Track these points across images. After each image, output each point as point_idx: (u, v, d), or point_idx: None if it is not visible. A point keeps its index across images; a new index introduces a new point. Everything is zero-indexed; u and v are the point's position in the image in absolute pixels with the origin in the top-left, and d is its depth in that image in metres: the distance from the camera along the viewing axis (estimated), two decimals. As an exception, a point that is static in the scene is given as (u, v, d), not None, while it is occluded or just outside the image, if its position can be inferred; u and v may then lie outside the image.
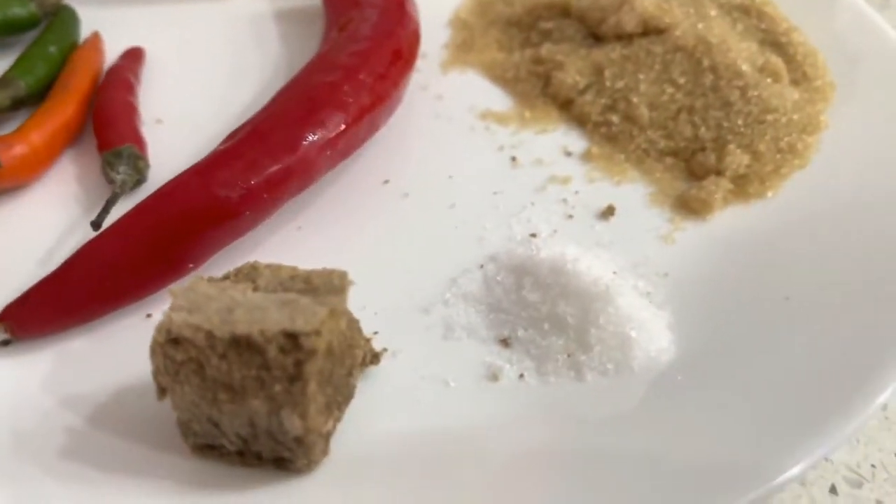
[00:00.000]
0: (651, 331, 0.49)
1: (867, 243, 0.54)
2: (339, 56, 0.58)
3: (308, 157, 0.52)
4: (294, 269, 0.43)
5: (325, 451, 0.42)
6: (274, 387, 0.38)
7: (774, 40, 0.68)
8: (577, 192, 0.60)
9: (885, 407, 0.52)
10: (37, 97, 0.61)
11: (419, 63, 0.69)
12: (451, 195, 0.59)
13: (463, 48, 0.72)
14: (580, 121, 0.65)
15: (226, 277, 0.42)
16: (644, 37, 0.66)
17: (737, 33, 0.68)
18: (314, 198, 0.58)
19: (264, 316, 0.38)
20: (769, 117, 0.62)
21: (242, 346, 0.38)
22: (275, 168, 0.50)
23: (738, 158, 0.60)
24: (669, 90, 0.64)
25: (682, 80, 0.64)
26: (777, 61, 0.65)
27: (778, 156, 0.61)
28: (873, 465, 0.50)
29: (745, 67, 0.63)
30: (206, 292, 0.40)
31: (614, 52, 0.66)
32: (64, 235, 0.54)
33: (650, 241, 0.57)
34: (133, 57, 0.66)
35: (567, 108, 0.66)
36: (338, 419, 0.43)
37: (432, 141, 0.63)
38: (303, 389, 0.38)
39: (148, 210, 0.49)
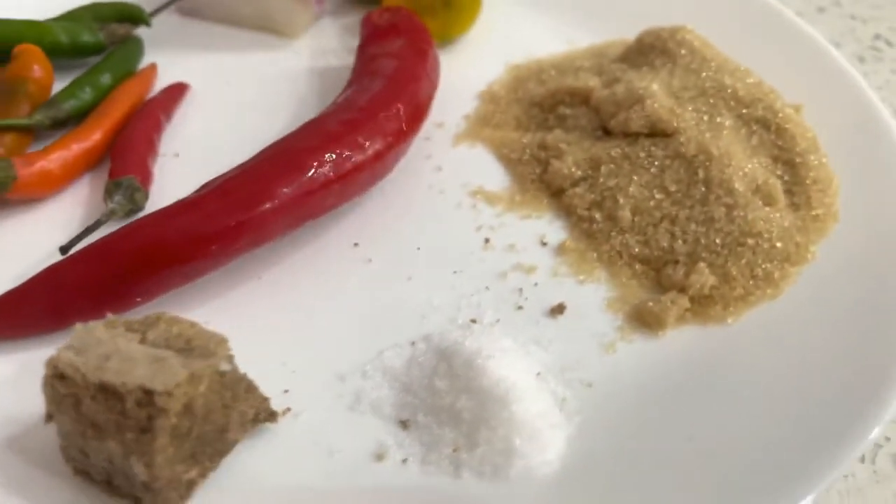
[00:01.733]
0: (542, 441, 0.50)
1: (800, 406, 0.52)
2: (330, 121, 0.62)
3: (263, 218, 0.55)
4: (191, 325, 0.46)
5: (182, 497, 0.45)
6: (127, 434, 0.42)
7: (788, 159, 0.66)
8: (536, 284, 0.61)
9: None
10: (77, 120, 0.69)
11: (431, 132, 0.72)
12: (412, 267, 0.61)
13: (481, 122, 0.74)
14: (567, 212, 0.66)
15: (130, 323, 0.46)
16: (649, 138, 0.66)
17: (749, 146, 0.66)
18: (284, 248, 0.62)
19: (132, 369, 0.42)
20: (749, 241, 0.60)
21: (108, 392, 0.42)
22: (228, 223, 0.54)
23: (703, 278, 0.59)
24: (658, 196, 0.63)
25: (673, 188, 0.63)
26: (774, 184, 0.63)
27: (750, 282, 0.59)
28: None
29: (738, 185, 0.62)
30: (98, 336, 0.44)
31: (616, 148, 0.66)
32: (53, 254, 0.60)
33: (591, 346, 0.57)
34: (173, 92, 0.73)
35: (558, 197, 0.67)
36: (208, 469, 0.47)
37: (415, 211, 0.66)
38: (151, 441, 0.41)
39: (108, 244, 0.54)
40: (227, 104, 0.75)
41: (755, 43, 0.76)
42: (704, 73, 0.69)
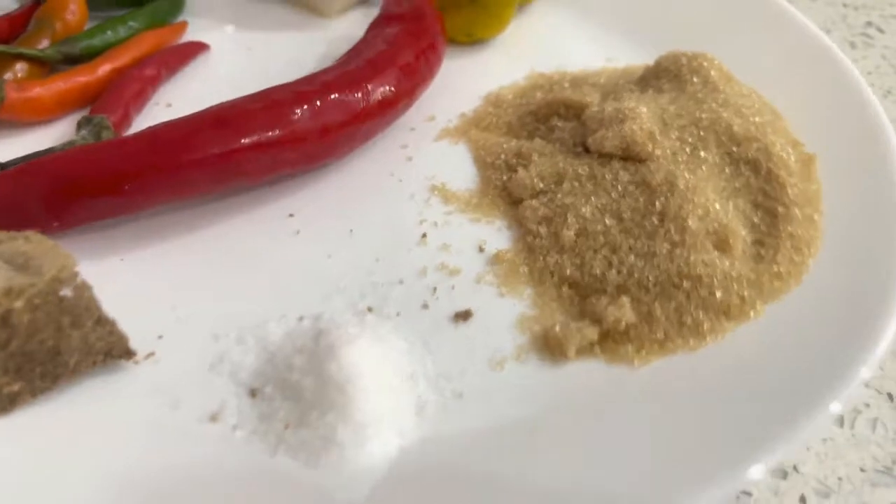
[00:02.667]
0: (367, 437, 0.47)
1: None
2: (285, 90, 0.62)
3: (182, 166, 0.56)
4: (49, 247, 0.48)
5: (3, 409, 0.47)
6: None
7: (770, 207, 0.60)
8: (452, 288, 0.58)
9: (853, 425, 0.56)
10: (89, 59, 0.73)
11: (418, 123, 0.71)
12: (336, 246, 0.60)
13: (473, 122, 0.72)
14: (518, 223, 0.62)
15: (-1, 235, 0.49)
16: (622, 160, 0.61)
17: (729, 186, 0.60)
18: (226, 209, 0.63)
19: (-36, 272, 0.44)
20: (685, 284, 0.55)
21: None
22: (145, 165, 0.56)
23: (620, 313, 0.54)
24: (609, 222, 0.59)
25: (626, 215, 0.58)
26: (735, 230, 0.57)
27: (674, 328, 0.54)
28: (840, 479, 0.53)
29: (692, 223, 0.56)
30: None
31: (585, 166, 0.62)
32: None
33: (480, 359, 0.54)
34: (188, 49, 0.76)
35: (515, 206, 0.64)
36: (40, 388, 0.48)
37: (364, 195, 0.65)
38: (-42, 343, 0.43)
39: (35, 165, 0.56)
40: (240, 70, 0.77)
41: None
42: (706, 104, 0.64)
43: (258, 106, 0.59)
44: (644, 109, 0.62)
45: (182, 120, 0.59)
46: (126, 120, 0.67)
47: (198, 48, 0.77)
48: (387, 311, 0.56)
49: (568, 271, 0.58)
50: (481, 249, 0.61)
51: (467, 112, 0.73)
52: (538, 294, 0.58)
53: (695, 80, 0.67)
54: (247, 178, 0.60)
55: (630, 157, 0.61)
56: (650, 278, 0.55)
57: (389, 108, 0.66)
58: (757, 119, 0.64)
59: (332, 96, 0.62)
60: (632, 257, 0.56)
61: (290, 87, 0.62)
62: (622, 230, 0.58)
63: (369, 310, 0.56)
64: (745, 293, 0.55)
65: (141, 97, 0.69)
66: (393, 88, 0.65)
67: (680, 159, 0.60)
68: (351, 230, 0.62)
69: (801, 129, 0.66)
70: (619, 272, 0.56)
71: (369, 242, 0.61)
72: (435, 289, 0.58)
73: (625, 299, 0.54)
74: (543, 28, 0.83)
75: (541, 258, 0.59)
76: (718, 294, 0.54)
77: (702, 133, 0.62)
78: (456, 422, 0.50)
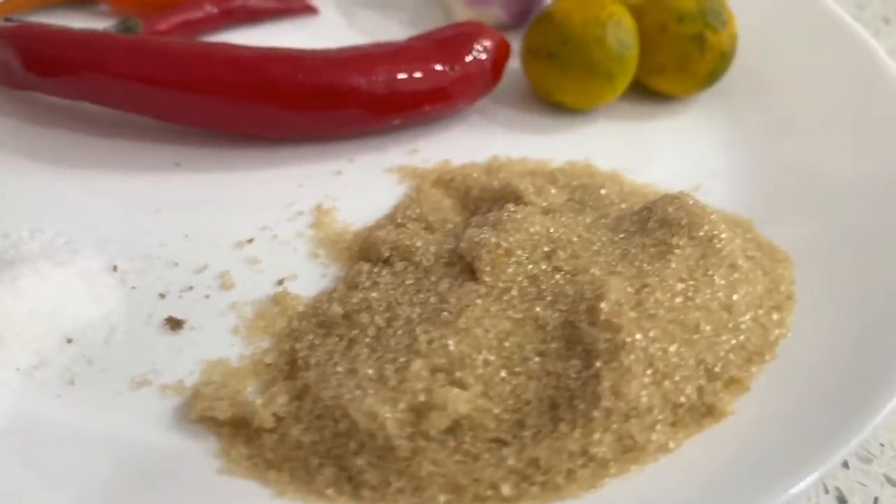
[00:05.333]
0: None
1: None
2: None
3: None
4: None
5: None
6: None
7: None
8: (207, 297, 0.51)
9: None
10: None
11: (393, 143, 0.63)
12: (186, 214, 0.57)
13: (438, 174, 0.61)
14: (367, 255, 0.53)
15: None
16: (452, 266, 0.48)
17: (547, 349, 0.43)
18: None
19: None
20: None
21: None
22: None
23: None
24: (396, 321, 0.46)
25: (405, 314, 0.46)
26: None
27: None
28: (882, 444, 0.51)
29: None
30: None
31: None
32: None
33: (138, 368, 0.47)
34: (284, 7, 0.76)
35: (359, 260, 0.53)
36: None
37: (259, 179, 0.60)
38: None
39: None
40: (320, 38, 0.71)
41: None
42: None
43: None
44: (536, 225, 0.48)
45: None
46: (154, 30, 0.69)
47: (302, 7, 0.77)
48: (130, 278, 0.52)
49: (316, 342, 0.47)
50: (280, 282, 0.52)
51: (453, 162, 0.62)
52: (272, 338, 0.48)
53: (683, 245, 0.49)
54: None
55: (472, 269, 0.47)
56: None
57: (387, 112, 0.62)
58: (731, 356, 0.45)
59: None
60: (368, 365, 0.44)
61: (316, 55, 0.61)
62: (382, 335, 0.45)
63: (115, 268, 0.52)
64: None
65: (184, 25, 0.71)
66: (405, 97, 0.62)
67: (510, 293, 0.45)
68: (206, 203, 0.58)
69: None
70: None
71: (208, 219, 0.57)
72: (191, 287, 0.52)
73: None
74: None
75: (297, 320, 0.49)
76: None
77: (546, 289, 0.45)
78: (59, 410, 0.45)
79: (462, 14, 0.75)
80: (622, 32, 0.64)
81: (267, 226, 0.56)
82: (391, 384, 0.42)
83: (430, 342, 0.43)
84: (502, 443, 0.41)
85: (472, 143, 0.64)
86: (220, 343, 0.49)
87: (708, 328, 0.45)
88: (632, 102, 0.68)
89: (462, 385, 0.42)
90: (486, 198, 0.57)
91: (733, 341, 0.46)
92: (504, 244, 0.47)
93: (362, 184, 0.60)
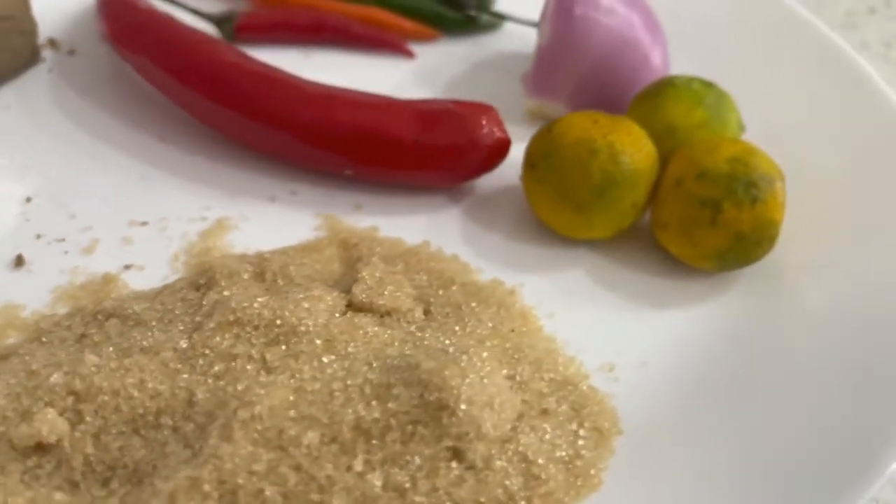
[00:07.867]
0: None
1: None
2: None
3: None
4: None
5: None
6: None
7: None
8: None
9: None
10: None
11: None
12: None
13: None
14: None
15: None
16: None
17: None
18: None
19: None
20: None
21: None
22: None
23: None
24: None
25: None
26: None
27: None
28: None
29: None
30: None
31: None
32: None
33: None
34: (383, 38, 0.77)
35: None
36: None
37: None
38: None
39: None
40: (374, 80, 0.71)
41: None
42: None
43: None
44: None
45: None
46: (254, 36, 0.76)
47: (399, 48, 0.77)
48: (33, 213, 0.59)
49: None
50: (127, 267, 0.56)
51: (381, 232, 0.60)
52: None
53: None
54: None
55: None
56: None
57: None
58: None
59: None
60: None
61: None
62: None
63: (28, 200, 0.60)
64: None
65: (289, 30, 0.76)
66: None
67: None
68: (150, 178, 0.63)
69: None
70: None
71: (132, 192, 0.62)
72: (63, 240, 0.58)
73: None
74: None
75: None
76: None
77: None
78: None
79: (526, 103, 0.71)
80: (615, 167, 0.57)
81: (167, 217, 0.60)
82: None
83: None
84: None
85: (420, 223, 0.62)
86: (34, 293, 0.54)
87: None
88: (633, 250, 0.61)
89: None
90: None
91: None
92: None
93: (281, 216, 0.61)
